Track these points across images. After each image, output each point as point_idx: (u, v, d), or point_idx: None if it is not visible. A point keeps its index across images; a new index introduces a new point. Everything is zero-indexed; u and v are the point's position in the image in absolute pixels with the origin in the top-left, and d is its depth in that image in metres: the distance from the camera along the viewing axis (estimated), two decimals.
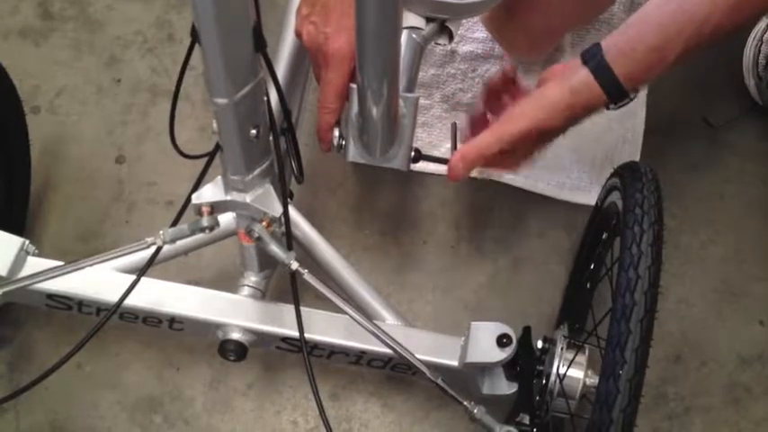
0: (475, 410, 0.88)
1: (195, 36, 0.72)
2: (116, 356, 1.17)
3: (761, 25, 1.31)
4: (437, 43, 1.06)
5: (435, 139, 1.29)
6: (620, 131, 1.30)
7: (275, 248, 0.87)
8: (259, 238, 0.87)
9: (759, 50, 1.29)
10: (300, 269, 0.86)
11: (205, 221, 0.86)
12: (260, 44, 0.74)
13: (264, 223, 0.87)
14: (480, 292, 1.22)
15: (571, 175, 1.28)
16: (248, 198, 0.86)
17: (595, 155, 1.29)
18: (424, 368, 0.89)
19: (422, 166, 1.15)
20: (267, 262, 1.00)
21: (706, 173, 1.30)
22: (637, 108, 1.31)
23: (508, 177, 1.26)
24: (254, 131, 0.80)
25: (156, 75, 1.35)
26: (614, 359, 0.76)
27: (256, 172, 0.85)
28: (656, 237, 0.80)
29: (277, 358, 1.16)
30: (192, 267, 1.19)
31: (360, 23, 0.80)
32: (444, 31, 1.05)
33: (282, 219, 0.87)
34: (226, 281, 1.07)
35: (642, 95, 1.30)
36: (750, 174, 1.30)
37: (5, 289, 0.93)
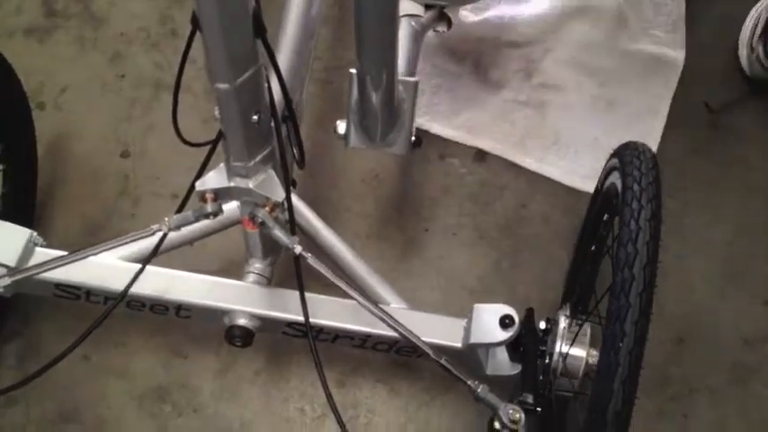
0: (479, 389, 0.89)
1: (196, 23, 0.73)
2: (123, 347, 1.19)
3: (764, 1, 1.32)
4: (435, 30, 1.07)
5: (460, 106, 1.30)
6: (641, 128, 1.30)
7: (279, 233, 0.88)
8: (263, 224, 0.88)
9: (758, 23, 1.30)
10: (304, 253, 0.87)
11: (209, 207, 0.88)
12: (260, 30, 0.75)
13: (268, 208, 0.88)
14: (484, 277, 1.23)
15: (584, 162, 1.28)
16: (251, 184, 0.87)
17: (611, 146, 1.30)
18: (428, 349, 0.90)
19: (440, 129, 1.15)
20: (271, 248, 1.01)
21: (707, 156, 1.31)
22: (660, 106, 1.32)
23: (521, 160, 1.27)
24: (255, 117, 0.81)
25: (160, 69, 1.36)
26: (614, 332, 0.77)
27: (258, 158, 0.86)
28: (653, 212, 0.81)
29: (283, 346, 1.17)
30: (198, 258, 1.20)
31: (358, 11, 0.81)
32: (443, 17, 1.06)
33: (285, 204, 0.88)
34: (231, 271, 1.08)
35: (668, 100, 1.31)
36: (750, 156, 1.31)
37: (14, 278, 0.95)
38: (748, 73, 1.32)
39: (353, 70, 0.91)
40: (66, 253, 0.95)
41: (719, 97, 1.33)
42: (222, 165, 0.88)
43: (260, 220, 0.88)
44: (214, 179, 0.88)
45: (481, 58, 1.34)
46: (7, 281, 0.96)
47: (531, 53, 1.33)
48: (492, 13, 1.32)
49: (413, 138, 0.98)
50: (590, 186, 1.26)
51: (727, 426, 1.16)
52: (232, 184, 0.88)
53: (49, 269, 0.93)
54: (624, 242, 0.80)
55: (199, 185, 0.88)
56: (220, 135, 0.86)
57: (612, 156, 0.96)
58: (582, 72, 1.34)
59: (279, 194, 0.88)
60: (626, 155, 0.90)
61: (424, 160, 1.29)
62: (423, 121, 1.29)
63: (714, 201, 1.28)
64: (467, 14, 1.30)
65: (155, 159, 1.30)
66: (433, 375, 1.17)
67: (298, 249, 0.87)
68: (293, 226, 0.89)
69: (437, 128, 1.30)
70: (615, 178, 0.94)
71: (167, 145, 1.30)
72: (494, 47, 1.33)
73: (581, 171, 1.28)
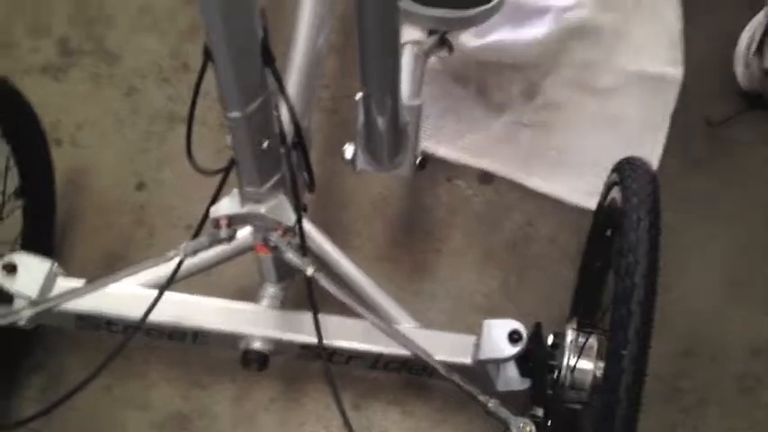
0: (489, 404, 0.91)
1: (207, 54, 0.77)
2: (143, 378, 1.21)
3: (759, 17, 1.35)
4: (438, 55, 1.11)
5: (464, 127, 1.34)
6: (643, 144, 1.32)
7: (291, 256, 0.91)
8: (275, 247, 0.92)
9: (752, 39, 1.33)
10: (316, 274, 0.90)
11: (223, 233, 0.91)
12: (268, 59, 0.78)
13: (280, 232, 0.91)
14: (492, 296, 1.26)
15: (588, 180, 1.31)
16: (263, 209, 0.91)
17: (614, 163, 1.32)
18: (439, 366, 0.93)
19: (445, 152, 1.21)
20: (284, 272, 1.04)
21: (708, 170, 1.33)
22: (661, 122, 1.35)
23: (527, 180, 1.30)
24: (265, 144, 0.85)
25: (173, 102, 1.41)
26: (618, 341, 0.79)
27: (270, 184, 0.90)
28: (652, 223, 0.84)
29: (298, 371, 1.20)
30: (214, 286, 1.23)
31: (361, 39, 0.85)
32: (444, 43, 1.10)
33: (297, 228, 0.91)
34: (245, 298, 1.10)
35: (668, 117, 1.34)
36: (750, 169, 1.34)
37: (37, 309, 0.98)
38: (745, 88, 1.35)
39: (359, 96, 0.95)
40: (85, 282, 0.99)
41: (718, 112, 1.36)
42: (235, 191, 0.92)
43: (273, 244, 0.91)
44: (227, 205, 0.92)
45: (484, 82, 1.37)
46: (29, 312, 0.99)
47: (533, 75, 1.37)
48: (493, 37, 1.36)
49: (418, 160, 1.01)
50: (593, 203, 1.28)
51: None
52: (245, 210, 0.91)
53: (70, 299, 0.96)
54: (625, 252, 0.83)
55: (213, 212, 0.91)
56: (233, 162, 0.89)
57: (613, 171, 0.99)
58: (583, 91, 1.37)
59: (290, 219, 0.91)
60: (625, 169, 0.93)
61: (431, 183, 1.33)
62: (429, 144, 1.32)
63: (716, 213, 1.31)
64: (468, 39, 1.33)
65: (169, 190, 1.34)
66: (446, 395, 1.19)
67: (310, 271, 0.91)
68: (305, 248, 0.92)
69: (443, 150, 1.33)
70: (616, 193, 0.97)
71: (181, 176, 1.34)
72: (496, 70, 1.37)
73: (585, 188, 1.30)
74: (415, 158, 1.01)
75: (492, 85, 1.37)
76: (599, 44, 1.38)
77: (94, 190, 1.34)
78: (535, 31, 1.37)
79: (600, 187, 1.29)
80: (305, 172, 0.95)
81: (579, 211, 1.31)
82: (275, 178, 0.90)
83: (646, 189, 0.88)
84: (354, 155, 1.01)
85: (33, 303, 1.00)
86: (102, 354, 1.18)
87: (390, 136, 0.96)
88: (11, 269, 1.00)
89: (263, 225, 0.92)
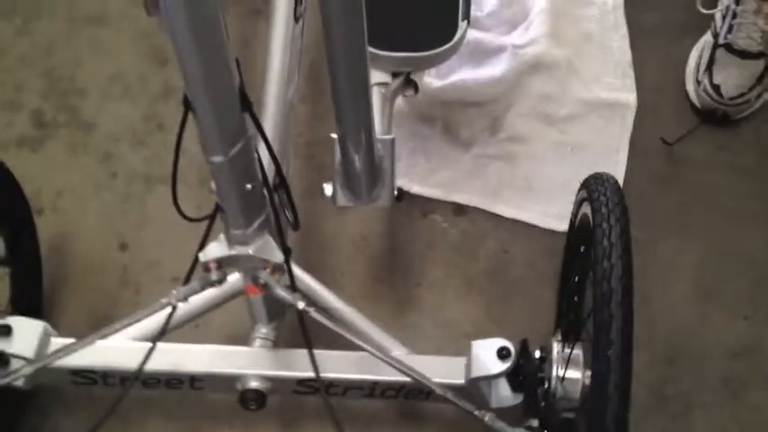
0: (486, 418, 0.94)
1: (187, 104, 0.81)
2: None
3: (706, 38, 1.43)
4: (404, 95, 1.16)
5: (435, 165, 1.39)
6: (605, 167, 1.36)
7: (281, 292, 0.94)
8: (265, 285, 0.95)
9: (701, 59, 1.41)
10: (307, 308, 0.93)
11: (214, 275, 0.94)
12: (246, 104, 0.83)
13: (269, 270, 0.95)
14: (478, 322, 1.29)
15: (557, 204, 1.36)
16: (251, 250, 0.94)
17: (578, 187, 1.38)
18: (435, 387, 0.96)
19: (419, 189, 1.28)
20: (275, 312, 1.07)
21: (669, 186, 1.39)
22: (620, 145, 1.41)
23: (499, 209, 1.35)
24: (249, 186, 0.89)
25: (149, 164, 1.44)
26: (601, 342, 0.83)
27: (255, 225, 0.93)
28: (623, 230, 0.89)
29: (294, 413, 1.21)
30: (203, 336, 1.25)
31: (333, 83, 0.90)
32: (410, 83, 1.16)
33: (285, 266, 0.95)
34: (236, 344, 1.13)
35: (626, 139, 1.41)
36: (708, 181, 1.40)
37: (35, 367, 1.00)
38: (699, 105, 1.42)
39: (334, 135, 0.99)
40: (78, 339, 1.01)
41: (674, 132, 1.42)
42: (222, 235, 0.95)
43: (263, 282, 0.94)
44: (216, 249, 0.95)
45: (449, 120, 1.43)
46: (28, 371, 1.01)
47: (495, 110, 1.43)
48: (454, 77, 1.42)
49: (395, 192, 1.05)
50: (565, 226, 1.33)
51: None
52: (233, 252, 0.94)
53: (68, 354, 0.98)
54: (600, 259, 0.87)
55: (202, 257, 0.94)
56: (218, 208, 0.93)
57: (581, 189, 1.04)
58: (543, 122, 1.43)
59: (278, 257, 0.94)
60: (591, 184, 0.98)
61: (408, 219, 1.37)
62: (403, 182, 1.37)
63: (681, 226, 1.36)
64: (431, 81, 1.39)
65: (152, 247, 1.36)
66: (441, 423, 1.21)
67: (301, 305, 0.93)
68: (293, 283, 0.95)
69: (416, 188, 1.38)
70: (586, 208, 1.02)
71: (163, 233, 1.36)
72: (460, 108, 1.43)
73: (556, 213, 1.35)
74: (393, 190, 1.05)
75: (457, 122, 1.43)
76: (555, 77, 1.45)
77: (78, 254, 1.37)
78: (494, 69, 1.43)
79: (569, 211, 1.35)
80: (287, 211, 0.98)
81: (552, 234, 1.35)
82: (260, 219, 0.93)
83: (613, 199, 0.93)
84: (334, 192, 1.05)
85: (31, 362, 1.01)
86: (96, 414, 1.20)
87: (367, 170, 1.00)
88: (6, 332, 1.02)
89: (251, 265, 0.96)
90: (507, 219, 1.37)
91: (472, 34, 1.42)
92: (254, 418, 1.19)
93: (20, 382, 1.04)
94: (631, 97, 1.46)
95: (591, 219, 0.96)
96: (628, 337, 0.84)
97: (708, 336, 1.28)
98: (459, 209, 1.39)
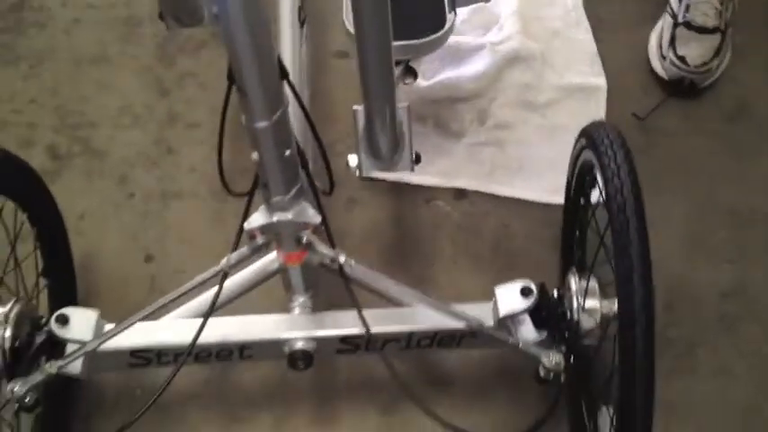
0: (520, 344, 1.03)
1: (231, 78, 0.91)
2: (183, 423, 1.28)
3: (663, 21, 1.59)
4: (405, 83, 1.28)
5: (432, 156, 1.50)
6: None
7: (324, 249, 1.03)
8: (308, 244, 1.04)
9: (661, 38, 1.56)
10: (348, 260, 1.02)
11: (260, 240, 1.03)
12: (284, 73, 0.93)
13: (310, 231, 1.04)
14: (490, 291, 1.38)
15: (548, 180, 1.48)
16: (290, 215, 1.03)
17: (565, 163, 1.50)
18: (472, 319, 1.05)
19: (421, 179, 1.36)
20: (311, 280, 1.15)
21: (647, 156, 1.52)
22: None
23: (495, 189, 1.46)
24: (288, 152, 0.98)
25: (164, 182, 1.53)
26: (625, 266, 0.92)
27: (293, 192, 1.03)
28: (630, 167, 0.98)
29: (329, 393, 1.30)
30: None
31: (363, 62, 1.02)
32: (410, 71, 1.28)
33: (323, 227, 1.04)
34: None
35: (602, 114, 1.55)
36: (681, 147, 1.54)
37: (95, 344, 1.07)
38: (666, 77, 1.56)
39: (357, 107, 1.10)
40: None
41: (643, 107, 1.56)
42: (262, 206, 1.04)
43: (306, 242, 1.03)
44: (259, 218, 1.04)
45: (440, 116, 1.55)
46: (89, 348, 1.07)
47: (481, 102, 1.56)
48: (440, 77, 1.55)
49: (413, 155, 1.16)
50: (557, 198, 1.44)
51: (732, 367, 1.32)
52: (275, 219, 1.03)
53: (127, 327, 1.05)
54: (613, 195, 0.96)
55: (247, 225, 1.03)
56: (257, 181, 1.02)
57: (580, 137, 1.14)
58: (525, 109, 1.56)
59: (316, 218, 1.04)
60: (593, 131, 1.08)
61: (412, 207, 1.48)
62: (404, 175, 1.48)
63: (663, 189, 1.49)
64: (420, 81, 1.52)
65: (177, 257, 1.44)
66: (466, 387, 1.29)
67: (342, 258, 1.03)
68: (332, 240, 1.04)
69: (417, 179, 1.49)
70: (587, 155, 1.11)
71: (186, 243, 1.45)
72: (448, 104, 1.55)
73: (546, 187, 1.47)
74: (411, 154, 1.16)
75: (447, 117, 1.55)
76: (531, 68, 1.59)
77: (106, 270, 1.44)
78: (475, 65, 1.57)
79: (559, 184, 1.46)
80: (322, 174, 1.07)
81: (545, 206, 1.47)
82: (296, 187, 1.03)
83: (617, 141, 1.02)
84: (359, 161, 1.16)
85: (90, 345, 1.08)
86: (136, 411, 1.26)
87: (390, 136, 1.11)
88: (64, 321, 1.09)
89: (292, 230, 1.05)
90: (504, 197, 1.49)
91: (452, 38, 1.55)
92: (290, 402, 1.27)
93: (77, 370, 1.10)
94: (601, 80, 1.60)
95: (596, 160, 1.04)
96: (647, 258, 0.92)
97: (700, 281, 1.40)
98: (460, 193, 1.50)
